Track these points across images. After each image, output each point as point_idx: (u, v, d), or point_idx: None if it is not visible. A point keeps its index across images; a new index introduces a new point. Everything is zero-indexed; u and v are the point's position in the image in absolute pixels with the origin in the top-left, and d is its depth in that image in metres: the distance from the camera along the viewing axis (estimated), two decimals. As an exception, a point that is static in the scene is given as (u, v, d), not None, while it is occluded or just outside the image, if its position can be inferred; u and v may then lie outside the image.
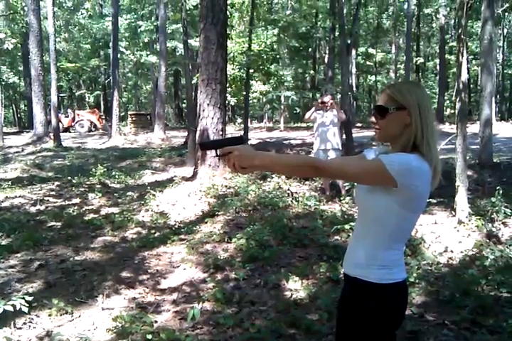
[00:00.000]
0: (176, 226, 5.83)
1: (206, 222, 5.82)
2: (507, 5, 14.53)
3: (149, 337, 3.07)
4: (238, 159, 1.67)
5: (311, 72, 29.44)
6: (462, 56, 5.68)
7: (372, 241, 1.73)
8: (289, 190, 7.09)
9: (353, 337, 1.76)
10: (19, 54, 29.73)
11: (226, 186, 7.01)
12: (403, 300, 1.78)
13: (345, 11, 13.64)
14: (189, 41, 15.89)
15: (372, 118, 1.79)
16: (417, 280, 3.98)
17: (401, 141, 1.70)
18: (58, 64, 20.98)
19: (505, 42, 31.51)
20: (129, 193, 7.71)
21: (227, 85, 11.61)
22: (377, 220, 1.71)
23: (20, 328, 3.37)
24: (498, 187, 5.74)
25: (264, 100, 25.39)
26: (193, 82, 13.31)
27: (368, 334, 1.72)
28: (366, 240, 1.75)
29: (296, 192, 7.05)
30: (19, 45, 26.84)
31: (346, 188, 6.92)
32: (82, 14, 32.23)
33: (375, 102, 1.80)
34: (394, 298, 1.72)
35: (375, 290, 1.70)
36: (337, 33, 14.75)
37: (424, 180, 1.65)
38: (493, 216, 5.55)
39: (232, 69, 16.07)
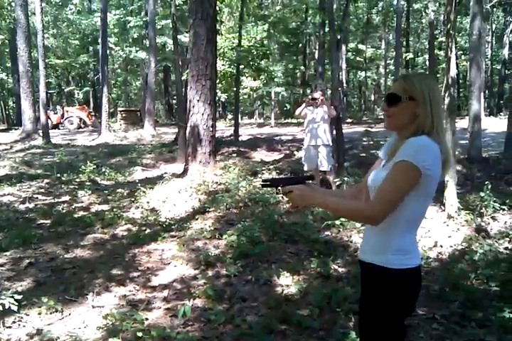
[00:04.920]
0: (167, 223, 5.81)
1: (197, 219, 5.82)
2: (495, 0, 14.63)
3: (140, 334, 3.06)
4: (298, 198, 1.87)
5: (302, 67, 29.42)
6: (451, 51, 5.70)
7: (387, 227, 1.75)
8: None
9: (372, 321, 1.82)
10: (7, 50, 29.41)
11: (217, 182, 7.00)
12: (417, 285, 1.82)
13: (335, 6, 13.59)
14: (179, 37, 15.83)
15: (384, 106, 1.82)
16: (407, 275, 3.99)
17: (410, 129, 1.74)
18: (47, 60, 20.71)
19: (493, 38, 31.69)
20: (119, 190, 7.66)
21: (218, 81, 11.58)
22: None
23: (10, 327, 3.35)
24: (486, 182, 5.80)
25: (255, 96, 25.32)
26: (183, 78, 13.25)
27: (384, 319, 1.77)
28: (381, 226, 1.75)
29: (286, 188, 7.04)
30: (7, 41, 26.64)
31: (337, 184, 6.94)
32: (70, 10, 31.96)
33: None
34: (408, 283, 1.76)
35: (389, 276, 1.74)
36: (327, 29, 14.73)
37: (436, 159, 1.68)
38: (482, 210, 5.60)
39: (223, 65, 16.04)
